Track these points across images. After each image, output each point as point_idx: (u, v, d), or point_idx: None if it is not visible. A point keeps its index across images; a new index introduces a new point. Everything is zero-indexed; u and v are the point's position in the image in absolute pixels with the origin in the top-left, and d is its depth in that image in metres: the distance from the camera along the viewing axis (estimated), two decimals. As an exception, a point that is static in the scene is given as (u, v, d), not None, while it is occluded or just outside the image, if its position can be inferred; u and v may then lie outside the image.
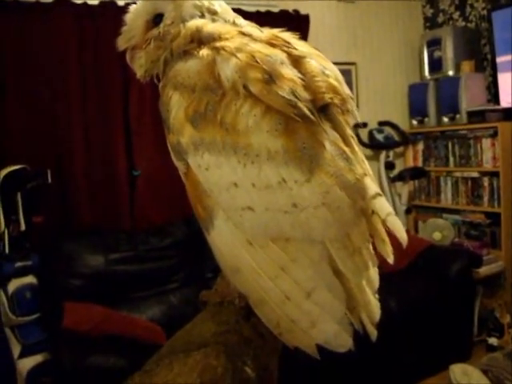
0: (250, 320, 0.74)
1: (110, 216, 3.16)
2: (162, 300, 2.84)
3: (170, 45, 0.78)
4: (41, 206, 2.83)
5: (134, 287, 2.86)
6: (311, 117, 0.67)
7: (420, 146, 4.37)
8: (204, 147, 0.70)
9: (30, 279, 2.63)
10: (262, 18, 3.51)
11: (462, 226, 3.99)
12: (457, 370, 2.85)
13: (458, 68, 4.03)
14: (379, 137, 4.17)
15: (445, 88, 4.07)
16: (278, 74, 0.68)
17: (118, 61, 3.01)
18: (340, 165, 0.68)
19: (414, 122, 4.37)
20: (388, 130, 4.28)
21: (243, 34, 0.74)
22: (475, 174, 3.89)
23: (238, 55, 0.69)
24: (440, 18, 4.49)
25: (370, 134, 4.18)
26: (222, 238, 0.71)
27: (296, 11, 3.82)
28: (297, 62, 0.70)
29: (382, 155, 4.20)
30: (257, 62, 0.68)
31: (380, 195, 0.72)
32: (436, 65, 4.19)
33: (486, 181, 3.80)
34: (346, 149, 0.70)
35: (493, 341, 3.38)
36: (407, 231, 4.08)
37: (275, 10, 3.73)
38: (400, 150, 4.47)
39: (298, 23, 3.79)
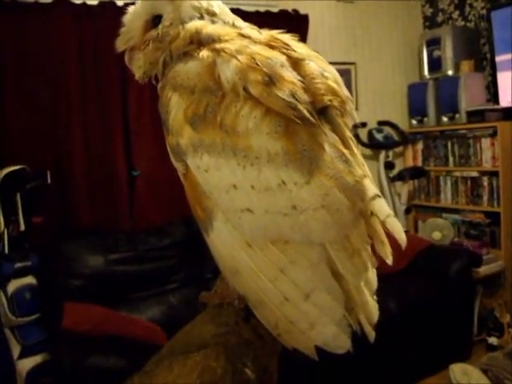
0: (249, 321, 0.74)
1: (109, 216, 3.16)
2: (161, 300, 2.84)
3: (168, 46, 0.78)
4: (40, 206, 2.83)
5: (134, 287, 2.86)
6: (311, 119, 0.67)
7: (419, 146, 4.37)
8: (203, 149, 0.69)
9: (30, 280, 2.63)
10: (262, 18, 3.50)
11: (461, 226, 3.99)
12: (457, 369, 2.85)
13: (457, 67, 4.03)
14: (379, 136, 4.17)
15: (444, 88, 4.06)
16: (278, 76, 0.68)
17: (118, 61, 2.99)
18: (339, 167, 0.68)
19: (414, 122, 4.37)
20: (387, 129, 4.28)
21: (243, 35, 0.74)
22: (475, 174, 3.88)
23: (239, 57, 0.69)
24: (439, 18, 4.49)
25: (370, 133, 4.18)
26: (221, 240, 0.71)
27: (295, 11, 3.82)
28: (296, 64, 0.71)
29: (382, 155, 4.20)
30: (257, 64, 0.68)
31: (379, 197, 0.72)
32: (435, 64, 4.18)
33: (485, 180, 3.80)
34: (345, 151, 0.70)
35: (493, 340, 3.38)
36: (407, 231, 4.09)
37: (274, 9, 3.73)
38: (399, 149, 4.47)
39: (297, 23, 3.79)
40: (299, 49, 0.73)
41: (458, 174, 4.03)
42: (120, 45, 0.84)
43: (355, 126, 0.77)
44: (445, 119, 4.08)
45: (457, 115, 3.96)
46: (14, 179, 2.64)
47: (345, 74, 4.07)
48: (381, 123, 4.30)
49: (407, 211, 4.16)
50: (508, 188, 3.64)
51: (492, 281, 3.65)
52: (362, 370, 2.67)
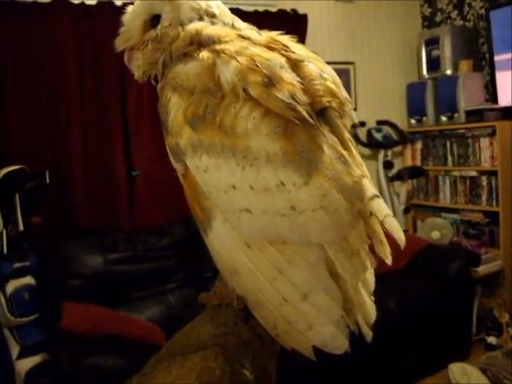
0: (248, 322, 0.74)
1: (108, 216, 3.16)
2: (160, 300, 2.85)
3: (168, 47, 0.78)
4: (39, 206, 2.83)
5: (133, 287, 2.86)
6: (310, 120, 0.67)
7: (418, 145, 4.37)
8: (203, 149, 0.70)
9: (29, 280, 2.63)
10: (260, 18, 3.51)
11: (460, 225, 3.99)
12: (456, 369, 2.85)
13: (456, 67, 4.03)
14: (378, 136, 4.17)
15: (443, 87, 4.07)
16: (278, 77, 0.68)
17: (117, 61, 3.00)
18: (338, 168, 0.68)
19: (413, 121, 4.38)
20: (386, 129, 4.29)
21: (242, 37, 0.74)
22: (473, 173, 3.89)
23: (238, 58, 0.69)
24: (438, 17, 4.50)
25: (369, 133, 4.18)
26: (220, 240, 0.71)
27: (294, 11, 3.82)
28: (295, 65, 0.71)
29: (381, 154, 4.20)
30: (257, 65, 0.68)
31: (378, 197, 0.72)
32: (434, 64, 4.19)
33: (484, 180, 3.80)
34: (343, 152, 0.70)
35: (491, 340, 3.38)
36: (406, 230, 4.10)
37: (273, 9, 3.73)
38: (398, 149, 4.47)
39: (296, 23, 3.79)
40: (298, 50, 0.74)
41: (456, 173, 4.03)
42: (119, 44, 0.84)
43: (354, 126, 0.77)
44: (444, 119, 4.08)
45: (456, 115, 3.97)
46: (12, 179, 2.64)
47: (344, 74, 4.07)
48: (380, 123, 4.30)
49: (406, 211, 4.16)
50: (507, 187, 3.64)
51: (491, 280, 3.66)
52: (361, 369, 2.68)
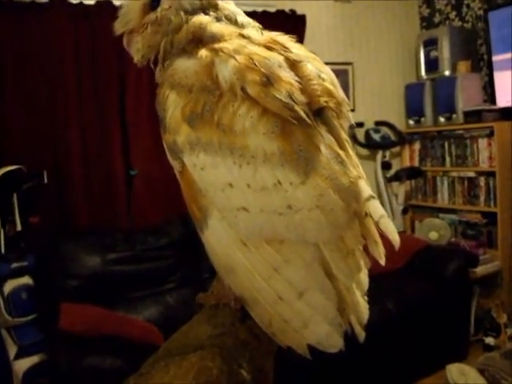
0: (245, 322, 0.74)
1: (106, 216, 3.16)
2: (158, 300, 2.84)
3: (168, 31, 0.77)
4: (37, 206, 2.83)
5: (131, 287, 2.86)
6: (307, 120, 0.68)
7: (416, 146, 4.38)
8: (200, 147, 0.70)
9: (26, 280, 2.63)
10: (259, 18, 3.46)
11: (458, 226, 4.00)
12: (454, 369, 2.85)
13: (454, 68, 4.04)
14: (376, 137, 4.17)
15: (441, 88, 4.07)
16: (276, 76, 0.68)
17: (115, 60, 3.01)
18: (335, 168, 0.69)
19: (411, 122, 4.38)
20: (385, 129, 4.29)
21: (242, 36, 0.75)
22: (472, 174, 3.89)
23: (237, 57, 0.69)
24: (436, 18, 4.50)
25: (367, 133, 4.19)
26: (216, 238, 0.71)
27: (292, 11, 3.82)
28: (293, 65, 0.71)
29: (379, 155, 4.21)
30: (255, 64, 0.68)
31: (374, 198, 0.72)
32: (432, 65, 4.19)
33: (482, 180, 3.80)
34: (340, 152, 0.70)
35: (489, 340, 3.38)
36: (404, 231, 4.10)
37: (272, 9, 3.73)
38: (396, 149, 4.47)
39: (294, 23, 3.80)
40: (297, 50, 0.74)
41: (454, 174, 4.04)
42: (118, 27, 0.83)
43: (351, 127, 0.78)
44: (442, 119, 4.09)
45: (454, 115, 3.97)
46: (10, 179, 2.64)
47: (342, 74, 4.07)
48: (378, 123, 4.30)
49: (404, 211, 4.17)
50: (505, 188, 3.65)
51: (489, 281, 3.66)
52: (359, 370, 2.68)
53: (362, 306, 0.74)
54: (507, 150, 3.65)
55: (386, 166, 4.21)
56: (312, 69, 0.72)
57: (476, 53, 4.13)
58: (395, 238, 0.69)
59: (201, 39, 0.74)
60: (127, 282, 2.86)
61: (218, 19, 0.77)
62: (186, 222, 3.00)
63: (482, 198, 3.81)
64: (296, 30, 3.78)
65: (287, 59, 0.71)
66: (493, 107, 3.81)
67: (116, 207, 3.19)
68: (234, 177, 0.68)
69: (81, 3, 3.06)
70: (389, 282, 2.98)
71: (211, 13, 0.78)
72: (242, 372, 0.71)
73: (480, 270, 3.53)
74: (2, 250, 2.61)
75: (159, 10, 0.79)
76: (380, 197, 4.15)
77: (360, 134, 4.14)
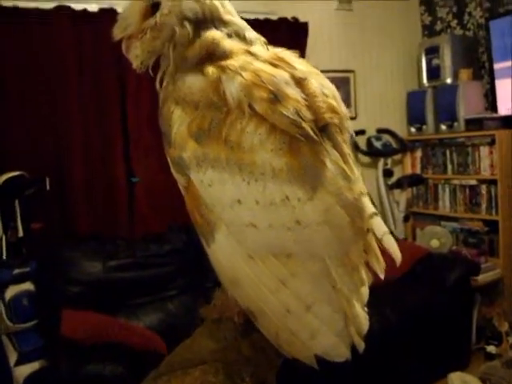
0: (248, 336, 0.74)
1: (108, 223, 3.16)
2: (160, 307, 2.84)
3: (178, 44, 0.76)
4: (40, 212, 2.83)
5: (133, 294, 2.85)
6: (314, 137, 0.68)
7: (418, 154, 4.38)
8: (208, 163, 0.70)
9: (28, 286, 2.62)
10: (262, 26, 3.50)
11: (459, 234, 3.99)
12: (455, 378, 2.84)
13: (455, 76, 4.05)
14: (377, 144, 4.18)
15: (443, 96, 4.08)
16: (283, 94, 0.69)
17: (117, 67, 3.02)
18: (340, 183, 0.69)
19: (412, 130, 4.39)
20: (386, 137, 4.29)
21: (249, 53, 0.75)
22: (473, 182, 3.89)
23: (243, 74, 0.70)
24: (438, 26, 4.51)
25: (369, 141, 4.19)
26: (223, 252, 0.72)
27: (295, 19, 3.83)
28: (299, 82, 0.72)
29: (380, 162, 4.21)
30: (262, 81, 0.69)
31: (376, 215, 0.74)
32: (434, 72, 4.20)
33: (483, 188, 3.80)
34: (345, 167, 0.71)
35: (491, 349, 3.37)
36: (405, 239, 4.10)
37: (274, 17, 3.74)
38: (398, 157, 4.47)
39: (296, 31, 3.81)
40: (300, 65, 0.74)
41: (456, 181, 4.04)
42: (117, 33, 0.82)
43: (352, 137, 0.78)
44: (443, 127, 4.09)
45: (455, 123, 3.98)
46: (12, 185, 2.64)
47: (344, 82, 4.08)
48: (380, 131, 4.30)
49: (405, 219, 4.16)
50: (506, 196, 3.65)
51: (490, 289, 3.66)
52: (361, 378, 2.66)
53: (362, 318, 0.74)
54: (509, 158, 3.65)
55: (387, 173, 4.21)
56: (316, 85, 0.73)
57: (477, 61, 4.13)
58: (398, 256, 0.71)
59: (212, 55, 0.74)
60: (128, 288, 2.86)
61: (229, 35, 0.77)
62: (187, 229, 2.99)
63: (484, 205, 3.80)
64: (298, 38, 3.80)
65: (293, 76, 0.71)
66: (494, 115, 3.82)
67: (117, 214, 3.19)
68: (242, 193, 0.69)
69: (84, 9, 3.08)
70: (390, 290, 2.97)
71: (222, 28, 0.77)
72: (245, 386, 0.71)
73: (481, 278, 3.52)
74: (4, 256, 2.62)
75: (158, 15, 0.78)
76: (381, 204, 4.15)
77: (362, 141, 4.15)
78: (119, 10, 2.84)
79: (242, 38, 0.78)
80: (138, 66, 0.82)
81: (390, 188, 4.18)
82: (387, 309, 2.89)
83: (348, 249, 0.70)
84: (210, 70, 0.72)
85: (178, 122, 0.72)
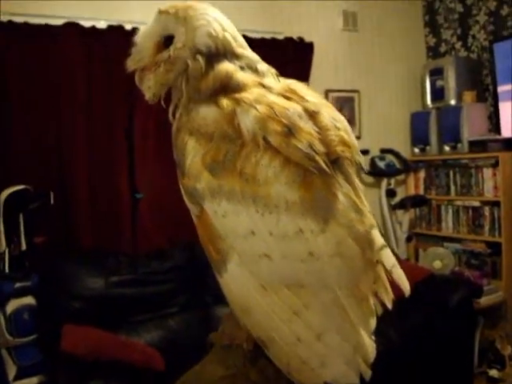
0: (257, 363, 0.75)
1: (111, 238, 3.16)
2: (161, 324, 2.82)
3: (190, 78, 0.77)
4: (43, 226, 2.84)
5: (134, 311, 2.84)
6: (327, 170, 0.69)
7: (421, 174, 4.38)
8: (222, 195, 0.71)
9: (29, 300, 2.62)
10: (268, 46, 3.55)
11: (462, 255, 3.98)
12: (457, 402, 2.81)
13: (459, 97, 4.07)
14: (381, 164, 4.18)
15: (447, 117, 4.10)
16: (297, 127, 0.70)
17: (124, 84, 3.04)
18: (351, 216, 0.71)
19: (416, 150, 4.39)
20: (390, 157, 4.30)
21: (262, 85, 0.76)
22: (476, 203, 3.89)
23: (258, 107, 0.71)
24: (442, 48, 4.55)
25: (372, 161, 4.20)
26: (235, 281, 0.72)
27: (301, 39, 3.86)
28: (311, 115, 0.73)
29: (384, 183, 4.21)
30: (276, 114, 0.70)
31: (386, 247, 0.75)
32: (438, 94, 4.22)
33: (487, 210, 3.80)
34: (356, 200, 0.72)
35: (494, 373, 3.34)
36: (407, 259, 4.08)
37: (280, 37, 3.78)
38: (401, 177, 4.47)
39: (302, 50, 3.84)
40: (311, 97, 0.75)
41: (459, 203, 4.03)
42: (131, 64, 0.84)
43: (362, 168, 0.80)
44: (447, 148, 4.10)
45: (459, 145, 3.99)
46: (17, 199, 2.65)
47: (349, 102, 4.10)
48: (383, 151, 4.31)
49: (408, 239, 4.15)
50: (509, 218, 3.64)
51: (493, 312, 3.63)
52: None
53: (369, 347, 0.75)
54: (512, 180, 3.66)
55: (390, 193, 4.20)
56: (328, 118, 0.74)
57: (481, 83, 4.16)
58: (407, 288, 0.75)
59: (226, 88, 0.75)
60: (130, 305, 2.85)
61: (242, 68, 0.78)
62: (190, 246, 2.99)
63: (487, 227, 3.80)
64: (304, 58, 3.83)
65: (305, 109, 0.72)
66: (498, 137, 3.83)
67: (121, 230, 3.19)
68: (256, 225, 0.69)
69: (93, 26, 3.12)
70: (392, 311, 2.95)
71: (235, 61, 0.78)
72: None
73: (484, 300, 3.49)
74: (7, 269, 2.62)
75: (172, 48, 0.79)
76: (384, 224, 4.14)
77: (365, 161, 4.15)
78: (127, 27, 2.88)
79: (254, 70, 0.79)
80: (151, 97, 0.83)
81: (393, 208, 4.18)
82: (389, 329, 2.87)
83: (358, 280, 0.71)
84: (225, 102, 0.73)
85: (192, 152, 0.73)
